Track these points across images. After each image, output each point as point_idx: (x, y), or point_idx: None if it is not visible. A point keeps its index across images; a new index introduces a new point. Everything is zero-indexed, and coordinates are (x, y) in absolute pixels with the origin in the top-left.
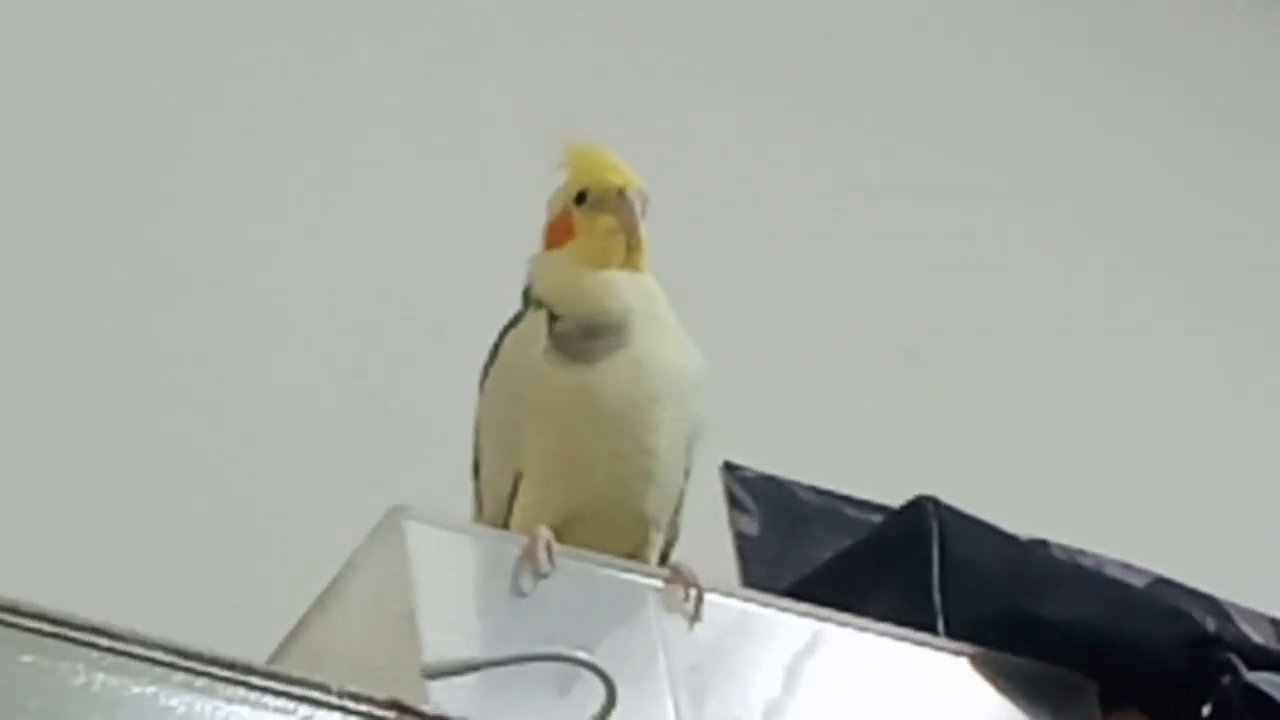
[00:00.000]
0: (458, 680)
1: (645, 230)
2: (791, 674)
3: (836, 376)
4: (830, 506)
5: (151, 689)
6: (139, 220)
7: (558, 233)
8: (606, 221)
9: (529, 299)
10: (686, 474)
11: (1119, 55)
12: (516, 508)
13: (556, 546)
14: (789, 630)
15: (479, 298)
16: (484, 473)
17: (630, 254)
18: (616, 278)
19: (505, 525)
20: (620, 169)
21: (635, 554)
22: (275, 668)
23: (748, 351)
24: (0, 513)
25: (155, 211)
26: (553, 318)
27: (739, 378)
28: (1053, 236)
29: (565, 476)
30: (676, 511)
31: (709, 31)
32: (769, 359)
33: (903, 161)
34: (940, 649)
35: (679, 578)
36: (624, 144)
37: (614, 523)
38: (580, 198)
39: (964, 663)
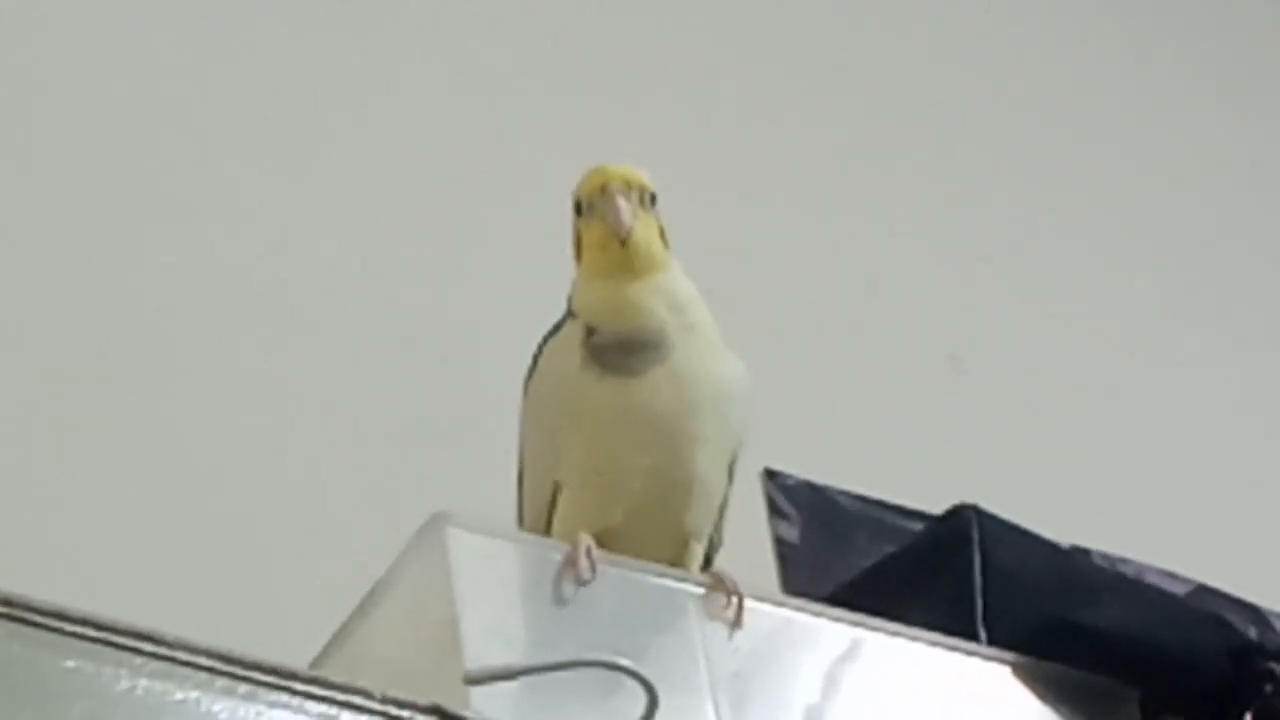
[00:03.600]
0: (499, 686)
1: (645, 221)
2: (832, 681)
3: (879, 382)
4: (871, 513)
5: (194, 694)
6: (190, 227)
7: (575, 249)
8: (599, 227)
9: (570, 310)
10: (728, 484)
11: (1179, 59)
12: (555, 517)
13: (598, 554)
14: (830, 637)
15: (523, 302)
16: (525, 481)
17: (630, 253)
18: (641, 292)
19: (546, 534)
20: (604, 169)
21: (675, 565)
22: (317, 673)
23: (789, 356)
24: (46, 519)
25: (208, 219)
26: (589, 330)
27: (780, 383)
28: (1100, 241)
29: (603, 489)
30: (718, 521)
31: (754, 33)
32: (811, 364)
33: (950, 166)
34: (981, 657)
35: (720, 585)
36: (667, 147)
37: (652, 535)
38: (579, 209)
39: (1005, 671)
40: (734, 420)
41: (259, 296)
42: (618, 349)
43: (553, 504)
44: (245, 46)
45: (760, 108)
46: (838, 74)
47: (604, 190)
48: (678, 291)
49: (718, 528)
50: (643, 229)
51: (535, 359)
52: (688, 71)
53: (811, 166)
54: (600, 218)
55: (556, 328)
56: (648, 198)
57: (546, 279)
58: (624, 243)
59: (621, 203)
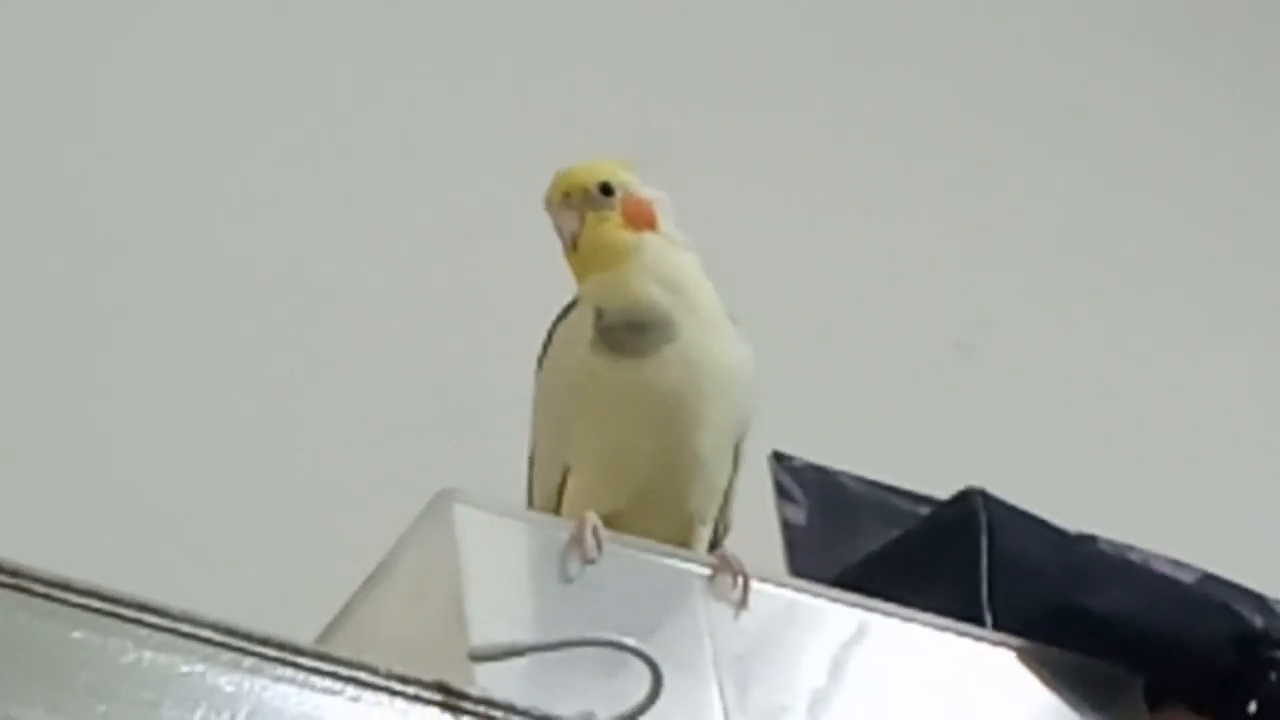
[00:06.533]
0: (504, 664)
1: (597, 218)
2: (837, 664)
3: (887, 365)
4: (878, 497)
5: (200, 667)
6: (199, 213)
7: None
8: None
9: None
10: (735, 468)
11: (1182, 44)
12: (564, 500)
13: (604, 533)
14: (835, 620)
15: (534, 279)
16: (536, 464)
17: (584, 257)
18: (627, 276)
19: (556, 516)
20: (554, 183)
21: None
22: (323, 648)
23: (797, 339)
24: (53, 491)
25: (217, 198)
26: (599, 311)
27: (788, 366)
28: (1108, 226)
29: (610, 471)
30: (725, 505)
31: (764, 13)
32: (819, 347)
33: (956, 149)
34: (986, 641)
35: (726, 566)
36: (676, 126)
37: (658, 517)
38: None
39: (1010, 655)
40: (740, 402)
41: (270, 276)
42: (626, 329)
43: (562, 487)
44: (257, 31)
45: (775, 94)
46: (835, 52)
47: (546, 208)
48: (669, 269)
49: (725, 511)
50: (592, 227)
51: (547, 341)
52: (698, 51)
53: (819, 150)
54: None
55: (568, 309)
56: (595, 192)
57: (559, 259)
58: (574, 250)
59: (558, 218)
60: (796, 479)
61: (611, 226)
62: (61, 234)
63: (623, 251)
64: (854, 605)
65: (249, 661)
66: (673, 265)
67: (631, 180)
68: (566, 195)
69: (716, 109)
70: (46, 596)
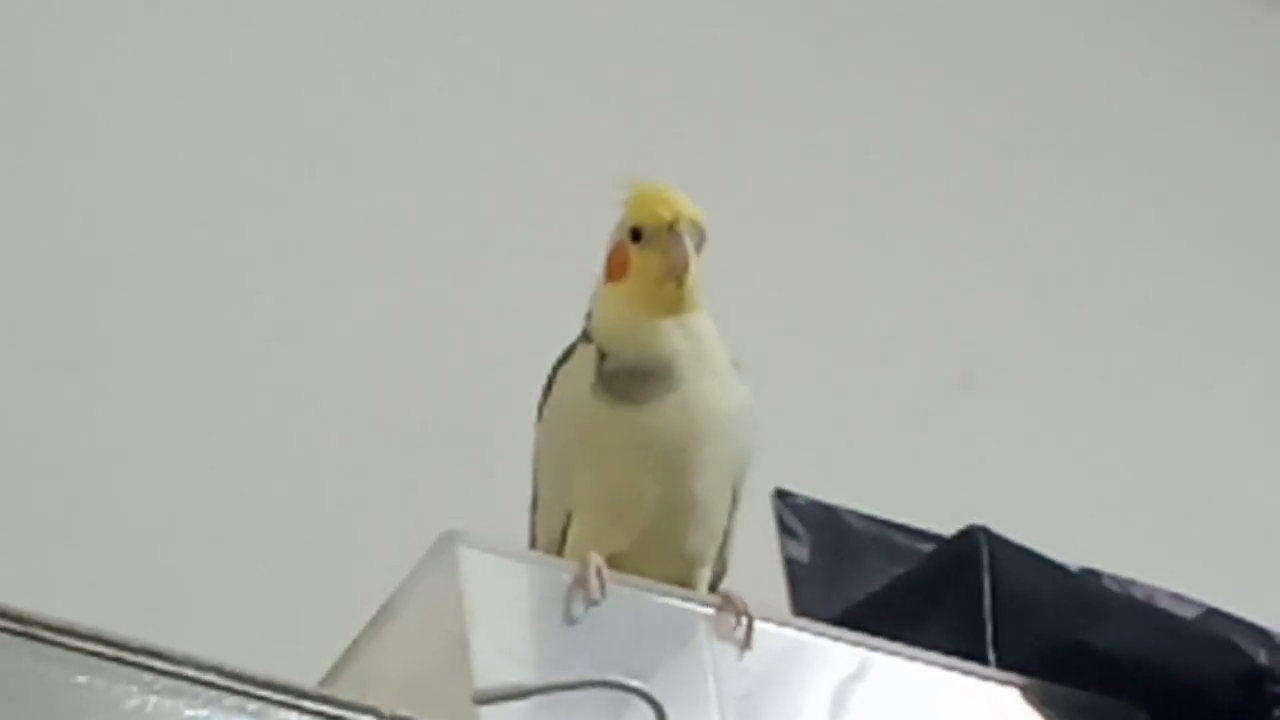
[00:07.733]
0: (509, 705)
1: (698, 265)
2: (841, 703)
3: (891, 401)
4: (881, 534)
5: (204, 712)
6: (208, 250)
7: (614, 267)
8: (657, 261)
9: (585, 330)
10: (734, 509)
11: (1195, 76)
12: (567, 543)
13: (608, 574)
14: (839, 659)
15: (538, 321)
16: (539, 507)
17: (683, 296)
18: (666, 324)
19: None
20: (673, 203)
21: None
22: (327, 691)
23: (800, 375)
24: (57, 536)
25: (226, 238)
26: (602, 355)
27: (791, 402)
28: (1114, 261)
29: (611, 515)
30: (723, 548)
31: (764, 46)
32: (822, 383)
33: (959, 183)
34: (990, 679)
35: (729, 606)
36: (675, 162)
37: (659, 560)
38: (635, 234)
39: (1014, 693)
40: (739, 448)
41: (274, 313)
42: (629, 376)
43: (565, 530)
44: (259, 44)
45: (774, 129)
46: (836, 85)
47: (672, 229)
48: (698, 325)
49: (724, 551)
50: (696, 272)
51: (548, 386)
52: (696, 83)
53: (822, 181)
54: (663, 254)
55: (569, 352)
56: (702, 240)
57: (563, 293)
58: (680, 283)
59: (685, 243)
60: (799, 516)
61: (700, 276)
62: (48, 252)
63: (697, 302)
64: (857, 644)
65: (253, 705)
66: (705, 321)
67: None
68: (694, 225)
69: (715, 142)
70: (52, 642)
